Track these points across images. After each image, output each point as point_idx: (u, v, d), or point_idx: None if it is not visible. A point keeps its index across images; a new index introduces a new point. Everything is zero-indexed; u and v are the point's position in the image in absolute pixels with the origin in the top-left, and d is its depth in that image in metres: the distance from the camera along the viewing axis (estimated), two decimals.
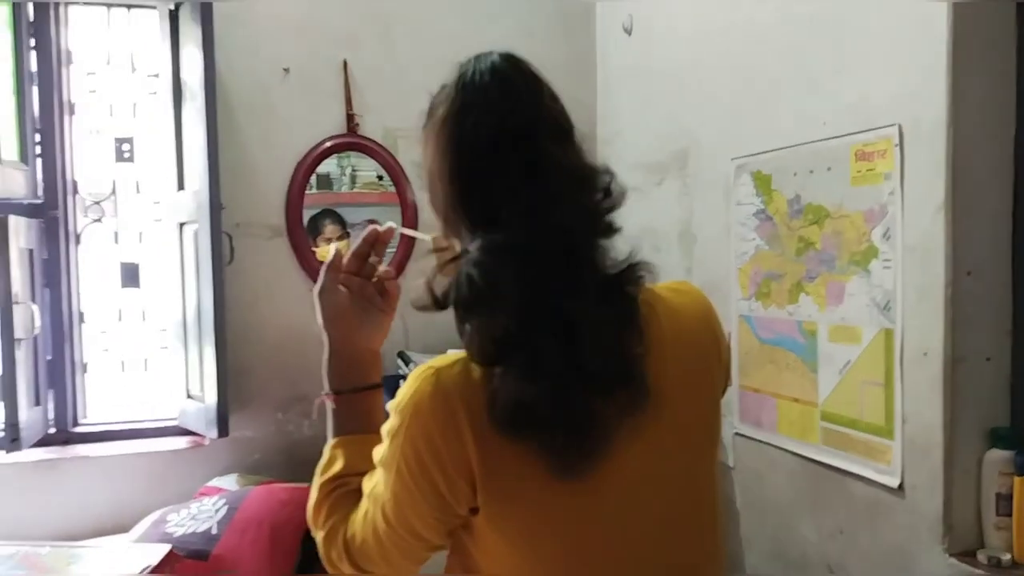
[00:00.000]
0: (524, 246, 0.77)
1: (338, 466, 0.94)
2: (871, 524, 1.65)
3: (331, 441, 0.98)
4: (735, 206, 2.08)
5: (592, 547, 0.82)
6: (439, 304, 0.85)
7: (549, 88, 0.88)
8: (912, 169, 1.53)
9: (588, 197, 0.83)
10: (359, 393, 0.91)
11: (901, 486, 1.56)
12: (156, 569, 1.53)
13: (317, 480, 0.95)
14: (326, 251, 2.70)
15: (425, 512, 0.82)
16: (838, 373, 1.74)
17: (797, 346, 1.88)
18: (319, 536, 0.92)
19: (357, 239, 1.01)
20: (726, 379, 0.98)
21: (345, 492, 0.91)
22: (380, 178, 2.79)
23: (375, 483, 0.87)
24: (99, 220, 2.68)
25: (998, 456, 1.43)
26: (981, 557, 1.42)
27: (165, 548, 1.63)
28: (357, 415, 0.95)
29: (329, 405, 0.99)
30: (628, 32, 2.63)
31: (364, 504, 0.88)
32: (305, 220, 2.70)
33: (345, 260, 0.99)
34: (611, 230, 0.85)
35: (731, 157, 2.07)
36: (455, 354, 0.84)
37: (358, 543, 0.87)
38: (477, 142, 0.83)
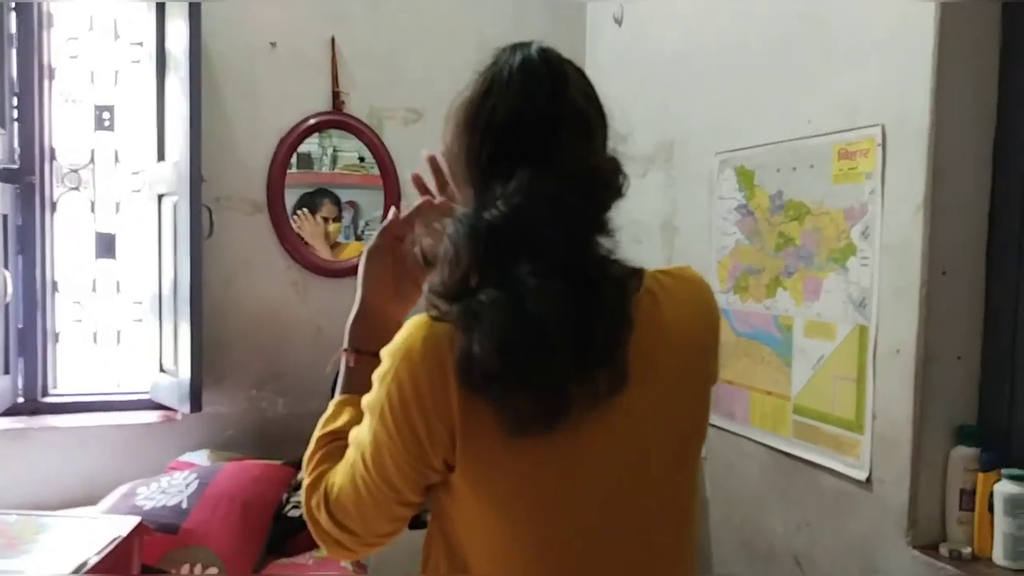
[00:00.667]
0: (492, 224, 0.80)
1: (341, 421, 0.95)
2: (838, 516, 1.68)
3: (339, 397, 0.99)
4: (717, 200, 2.10)
5: (561, 515, 0.83)
6: (427, 262, 0.91)
7: (583, 85, 0.90)
8: (893, 169, 1.55)
9: (591, 193, 0.84)
10: (378, 357, 0.92)
11: (869, 479, 1.59)
12: (125, 540, 1.52)
13: (317, 432, 0.97)
14: (315, 227, 2.70)
15: (402, 459, 0.83)
16: (811, 368, 1.77)
17: (773, 340, 1.90)
18: (304, 483, 0.92)
19: (409, 207, 1.02)
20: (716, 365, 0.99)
21: (341, 446, 0.91)
22: (362, 160, 2.78)
23: (359, 429, 0.88)
24: (76, 188, 2.64)
25: (964, 453, 1.47)
26: (943, 550, 1.45)
27: (135, 520, 1.62)
28: (371, 378, 0.96)
29: (345, 362, 1.00)
30: (619, 23, 2.64)
31: (348, 452, 0.89)
32: (297, 198, 2.70)
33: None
34: (603, 228, 0.86)
35: (716, 151, 2.09)
36: None
37: (336, 490, 0.88)
38: (490, 126, 0.85)
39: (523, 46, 0.89)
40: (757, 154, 1.96)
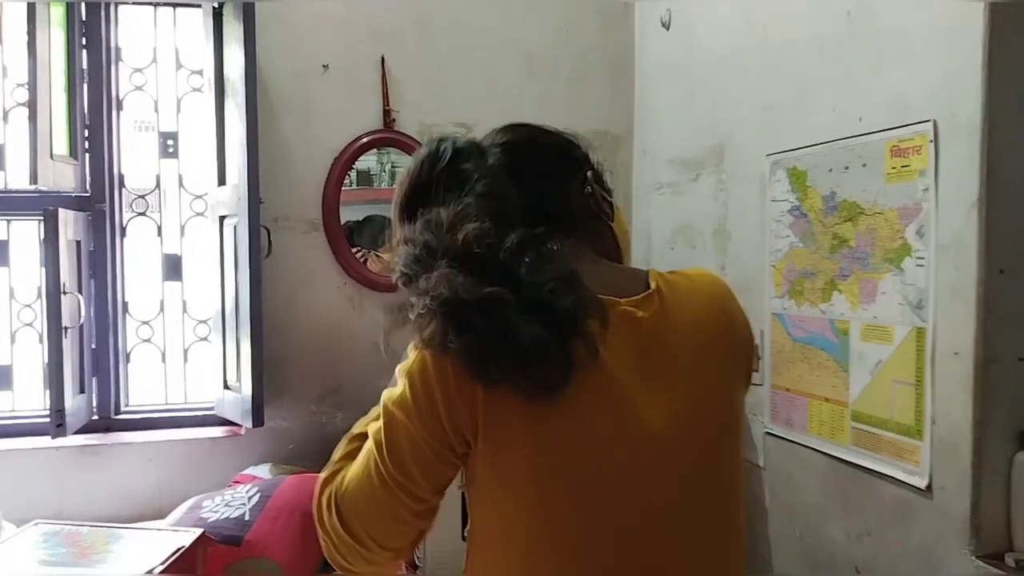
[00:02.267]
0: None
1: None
2: (899, 525, 1.62)
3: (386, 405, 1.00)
4: (770, 203, 2.07)
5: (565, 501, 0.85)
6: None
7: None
8: (946, 166, 1.50)
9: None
10: None
11: (929, 487, 1.53)
12: (188, 551, 1.57)
13: (348, 434, 0.99)
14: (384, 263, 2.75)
15: (420, 440, 0.86)
16: (869, 373, 1.72)
17: (829, 345, 1.85)
18: (320, 477, 0.94)
19: None
20: (747, 370, 0.98)
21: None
22: None
23: (376, 422, 0.90)
24: (143, 213, 2.76)
25: None
26: (1009, 560, 1.39)
27: (197, 531, 1.67)
28: None
29: None
30: (666, 27, 2.63)
31: (365, 444, 0.91)
32: (362, 218, 2.75)
33: None
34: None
35: (766, 153, 2.06)
36: None
37: (346, 486, 0.90)
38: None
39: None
40: (809, 154, 1.92)
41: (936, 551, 1.52)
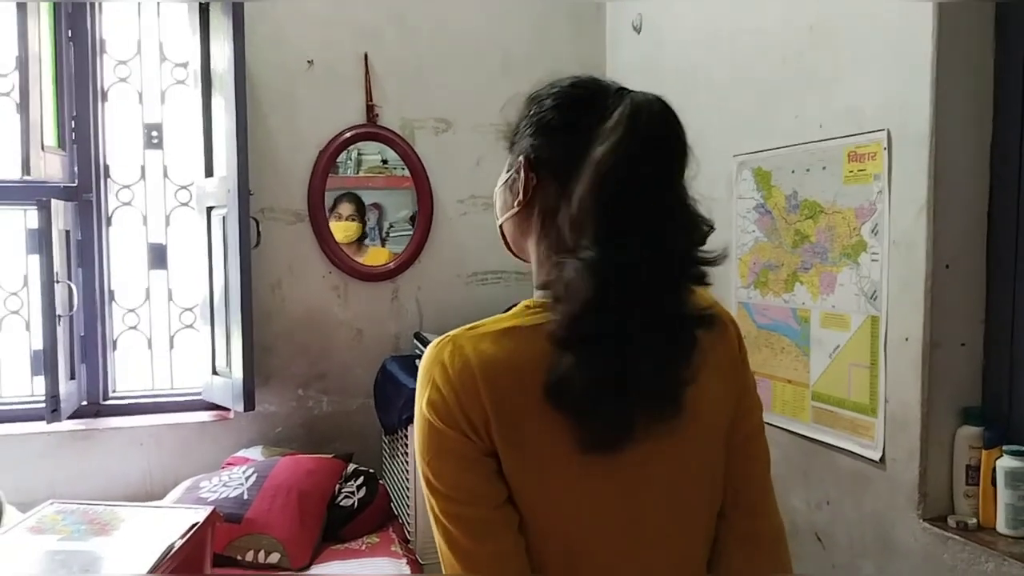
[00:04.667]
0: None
1: None
2: (855, 494, 1.80)
3: None
4: (737, 200, 2.23)
5: (596, 527, 0.87)
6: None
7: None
8: (899, 170, 1.67)
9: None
10: None
11: (882, 459, 1.72)
12: (203, 526, 1.67)
13: None
14: (338, 229, 2.83)
15: (465, 451, 0.84)
16: (828, 356, 1.89)
17: (791, 331, 2.02)
18: None
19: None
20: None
21: None
22: (385, 162, 2.92)
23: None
24: (129, 203, 2.81)
25: (969, 432, 1.59)
26: (951, 522, 1.58)
27: (209, 508, 1.77)
28: None
29: None
30: (637, 31, 2.76)
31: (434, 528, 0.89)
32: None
33: None
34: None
35: (733, 154, 2.21)
36: (484, 326, 0.89)
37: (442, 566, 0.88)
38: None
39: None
40: (773, 156, 2.08)
41: (888, 516, 1.70)
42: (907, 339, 1.65)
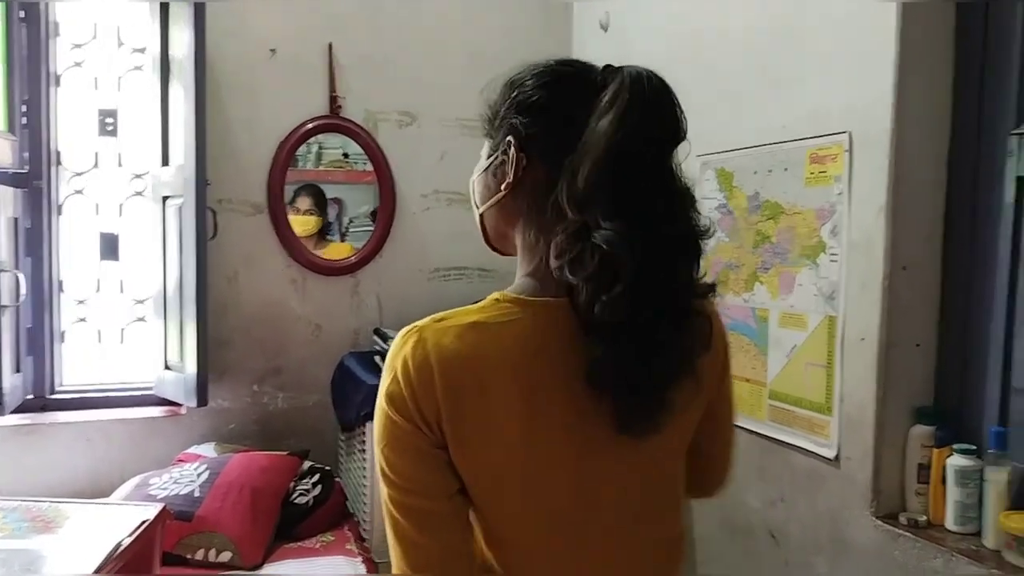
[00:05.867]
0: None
1: None
2: (810, 492, 1.82)
3: None
4: (699, 200, 2.23)
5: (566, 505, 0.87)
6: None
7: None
8: (859, 173, 1.69)
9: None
10: None
11: (837, 457, 1.74)
12: (152, 524, 1.63)
13: None
14: (296, 222, 2.78)
15: (419, 443, 0.83)
16: (786, 356, 1.91)
17: (750, 330, 2.04)
18: None
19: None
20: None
21: None
22: (346, 155, 2.88)
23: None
24: (80, 192, 2.73)
25: (921, 431, 1.62)
26: (902, 519, 1.60)
27: (159, 506, 1.73)
28: None
29: None
30: (604, 29, 2.76)
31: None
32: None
33: None
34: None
35: (697, 154, 2.22)
36: (451, 318, 0.87)
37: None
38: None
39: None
40: (736, 157, 2.10)
41: (842, 514, 1.72)
42: (863, 339, 1.67)
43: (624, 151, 0.80)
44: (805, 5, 1.84)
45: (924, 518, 1.58)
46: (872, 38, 1.65)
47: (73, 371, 2.77)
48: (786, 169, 1.92)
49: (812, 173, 1.84)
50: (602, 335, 0.80)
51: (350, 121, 2.79)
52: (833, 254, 1.77)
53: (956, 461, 1.53)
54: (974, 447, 1.53)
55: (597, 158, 0.80)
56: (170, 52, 2.55)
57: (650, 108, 0.83)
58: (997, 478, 1.47)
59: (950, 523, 1.54)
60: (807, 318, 1.85)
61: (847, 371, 1.72)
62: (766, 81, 1.98)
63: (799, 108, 1.87)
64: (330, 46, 2.75)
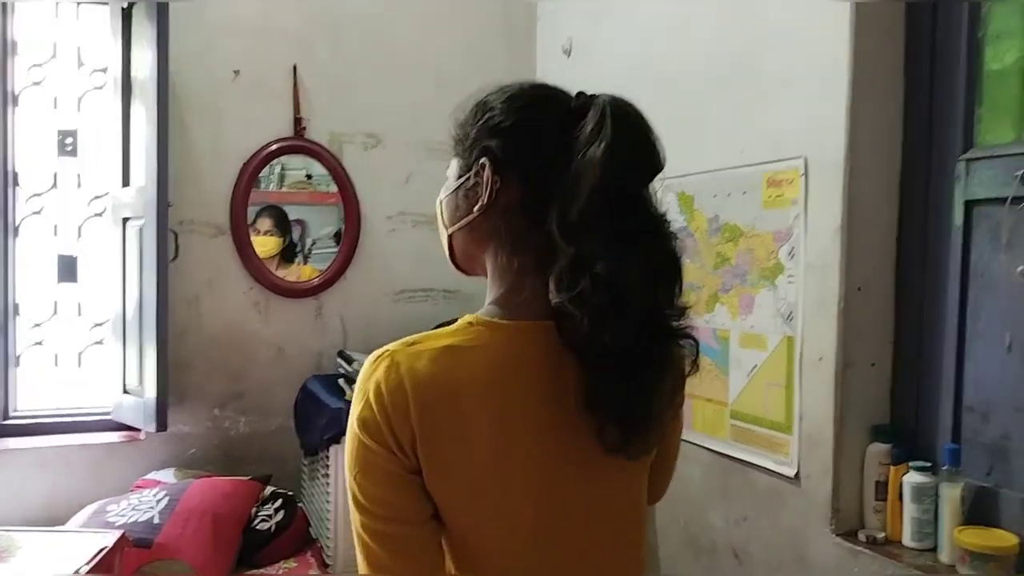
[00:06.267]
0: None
1: None
2: (771, 510, 1.84)
3: None
4: None
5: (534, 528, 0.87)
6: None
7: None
8: (815, 196, 1.74)
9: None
10: None
11: (797, 475, 1.76)
12: (110, 552, 1.59)
13: None
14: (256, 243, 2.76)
15: (391, 468, 0.82)
16: (746, 376, 1.94)
17: (712, 351, 2.07)
18: None
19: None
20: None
21: None
22: (309, 177, 2.87)
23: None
24: (38, 213, 2.69)
25: (878, 449, 1.65)
26: (861, 536, 1.63)
27: (117, 533, 1.69)
28: None
29: None
30: (567, 54, 2.80)
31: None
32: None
33: None
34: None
35: (658, 178, 2.25)
36: (423, 342, 0.86)
37: None
38: None
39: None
40: (696, 181, 2.14)
41: (803, 532, 1.74)
42: (821, 359, 1.71)
43: (617, 183, 0.81)
44: (763, 33, 1.89)
45: (882, 534, 1.61)
46: (825, 66, 1.70)
47: (29, 395, 2.71)
48: (744, 192, 1.96)
49: (770, 196, 1.88)
50: (604, 361, 0.81)
51: (315, 143, 2.78)
52: (791, 276, 1.81)
53: (912, 478, 1.56)
54: (929, 464, 1.57)
55: (592, 189, 0.80)
56: (132, 72, 2.53)
57: (636, 138, 0.85)
58: (951, 494, 1.50)
59: (907, 539, 1.57)
60: (767, 338, 1.88)
61: (806, 390, 1.75)
62: (725, 106, 2.02)
63: (757, 133, 1.91)
64: (295, 68, 2.75)
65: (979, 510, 1.51)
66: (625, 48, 2.47)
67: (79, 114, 2.72)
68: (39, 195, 2.68)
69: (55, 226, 2.71)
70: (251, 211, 2.76)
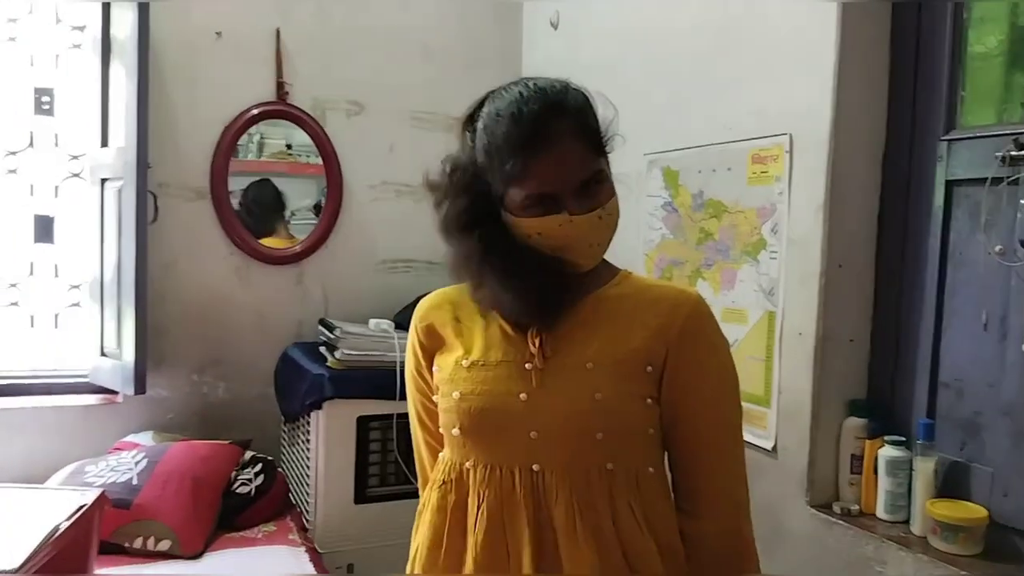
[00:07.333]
0: None
1: None
2: (750, 482, 1.87)
3: None
4: (645, 197, 2.28)
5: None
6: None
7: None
8: (799, 173, 1.75)
9: None
10: None
11: (775, 448, 1.80)
12: (90, 509, 1.59)
13: None
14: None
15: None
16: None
17: None
18: None
19: None
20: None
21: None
22: (289, 147, 2.84)
23: None
24: (14, 172, 2.64)
25: (854, 423, 1.69)
26: (836, 508, 1.67)
27: (97, 491, 1.68)
28: None
29: None
30: (554, 27, 2.79)
31: None
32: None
33: None
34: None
35: (644, 152, 2.26)
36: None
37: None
38: None
39: None
40: (681, 156, 2.14)
41: (780, 503, 1.78)
42: (800, 334, 1.74)
43: None
44: (750, 9, 1.89)
45: (856, 507, 1.65)
46: (812, 44, 1.71)
47: (4, 357, 2.67)
48: (729, 169, 1.97)
49: (754, 173, 1.90)
50: None
51: (297, 108, 2.75)
52: (773, 251, 1.83)
53: (887, 452, 1.60)
54: (904, 438, 1.60)
55: None
56: (112, 31, 2.48)
57: None
58: (925, 468, 1.54)
59: (881, 511, 1.61)
60: (748, 313, 1.90)
61: (785, 365, 1.78)
62: (712, 83, 2.03)
63: (742, 109, 1.92)
64: (278, 31, 2.71)
65: (951, 484, 1.55)
66: (613, 22, 2.46)
67: (56, 72, 2.66)
68: (14, 154, 2.63)
69: (31, 186, 2.66)
70: (244, 181, 2.72)
